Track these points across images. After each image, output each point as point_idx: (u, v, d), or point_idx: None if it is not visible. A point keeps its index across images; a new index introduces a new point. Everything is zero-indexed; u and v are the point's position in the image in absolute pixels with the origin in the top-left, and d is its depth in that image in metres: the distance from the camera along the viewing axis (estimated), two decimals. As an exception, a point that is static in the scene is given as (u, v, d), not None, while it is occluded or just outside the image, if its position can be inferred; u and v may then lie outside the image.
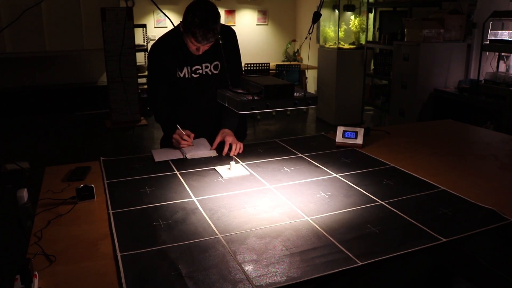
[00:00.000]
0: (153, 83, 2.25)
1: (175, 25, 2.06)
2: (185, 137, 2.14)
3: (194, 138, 2.19)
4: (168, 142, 2.24)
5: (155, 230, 1.39)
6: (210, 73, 2.18)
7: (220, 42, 1.89)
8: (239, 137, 2.42)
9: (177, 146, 2.17)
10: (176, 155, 2.10)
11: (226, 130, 2.19)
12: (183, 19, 1.94)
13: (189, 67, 2.16)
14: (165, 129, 2.28)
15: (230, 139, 2.16)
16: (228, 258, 1.23)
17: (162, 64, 2.16)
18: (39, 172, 1.95)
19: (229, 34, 2.19)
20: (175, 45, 2.12)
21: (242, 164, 2.01)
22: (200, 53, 2.04)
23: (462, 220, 1.47)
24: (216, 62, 2.17)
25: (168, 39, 2.15)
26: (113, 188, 1.74)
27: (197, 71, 2.17)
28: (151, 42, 7.59)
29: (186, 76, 2.17)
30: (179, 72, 2.16)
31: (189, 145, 2.15)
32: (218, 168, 1.95)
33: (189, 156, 2.07)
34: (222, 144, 2.17)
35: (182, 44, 2.06)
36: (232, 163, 1.93)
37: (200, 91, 2.22)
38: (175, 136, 2.16)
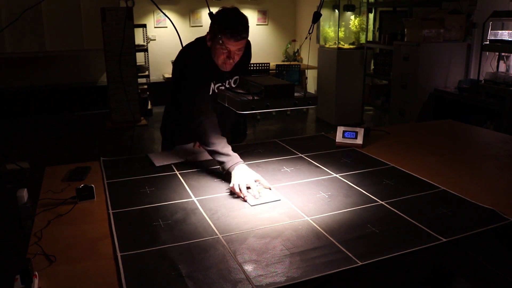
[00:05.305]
0: (191, 96, 1.94)
1: (175, 26, 2.04)
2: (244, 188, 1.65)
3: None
4: (170, 147, 2.19)
5: (155, 230, 1.39)
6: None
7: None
8: (239, 137, 2.42)
9: (237, 194, 1.65)
10: (175, 158, 2.06)
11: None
12: (216, 23, 1.84)
13: (214, 83, 2.06)
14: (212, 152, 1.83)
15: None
16: (228, 258, 1.23)
17: (201, 75, 1.97)
18: (39, 172, 1.95)
19: (248, 46, 2.11)
20: (205, 59, 1.98)
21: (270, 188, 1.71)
22: (231, 61, 1.88)
23: (462, 220, 1.47)
24: (236, 77, 2.08)
25: (201, 51, 1.99)
26: (113, 188, 1.74)
27: (220, 88, 2.05)
28: (151, 42, 7.62)
29: (210, 92, 2.07)
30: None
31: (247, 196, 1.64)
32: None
33: (189, 159, 2.05)
34: None
35: (210, 58, 1.98)
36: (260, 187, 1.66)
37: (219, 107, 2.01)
38: (234, 187, 1.65)
